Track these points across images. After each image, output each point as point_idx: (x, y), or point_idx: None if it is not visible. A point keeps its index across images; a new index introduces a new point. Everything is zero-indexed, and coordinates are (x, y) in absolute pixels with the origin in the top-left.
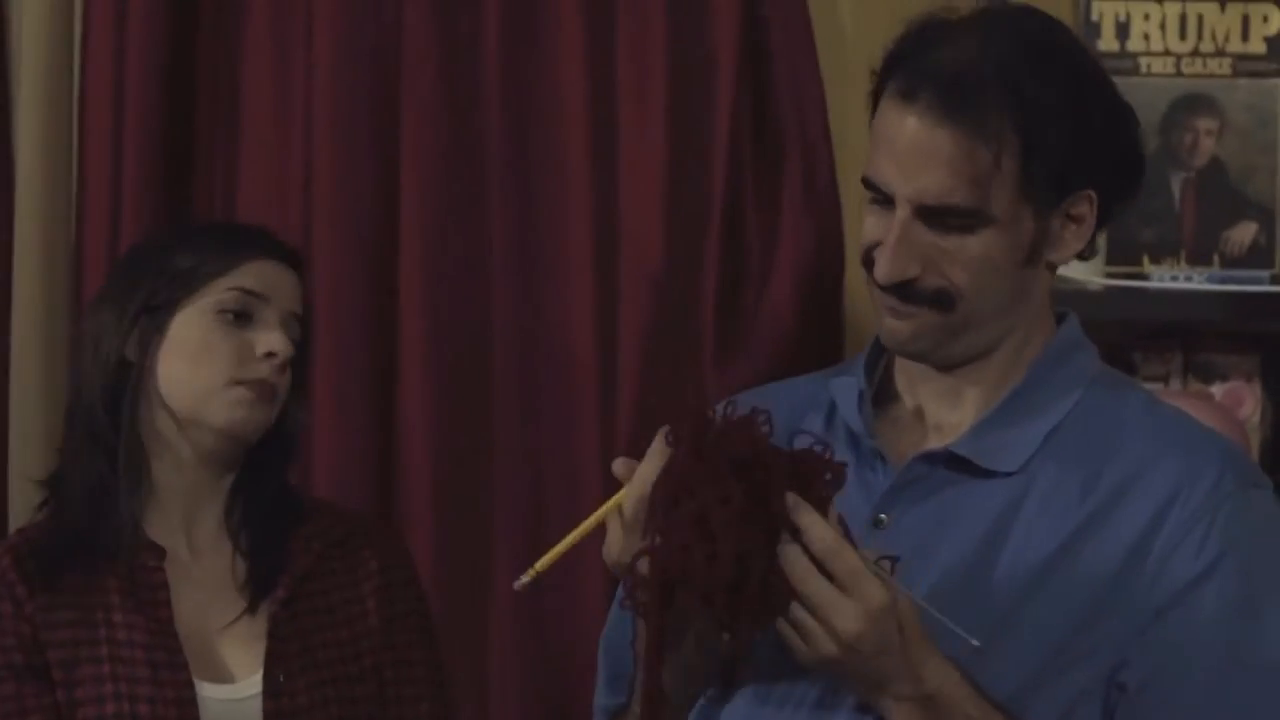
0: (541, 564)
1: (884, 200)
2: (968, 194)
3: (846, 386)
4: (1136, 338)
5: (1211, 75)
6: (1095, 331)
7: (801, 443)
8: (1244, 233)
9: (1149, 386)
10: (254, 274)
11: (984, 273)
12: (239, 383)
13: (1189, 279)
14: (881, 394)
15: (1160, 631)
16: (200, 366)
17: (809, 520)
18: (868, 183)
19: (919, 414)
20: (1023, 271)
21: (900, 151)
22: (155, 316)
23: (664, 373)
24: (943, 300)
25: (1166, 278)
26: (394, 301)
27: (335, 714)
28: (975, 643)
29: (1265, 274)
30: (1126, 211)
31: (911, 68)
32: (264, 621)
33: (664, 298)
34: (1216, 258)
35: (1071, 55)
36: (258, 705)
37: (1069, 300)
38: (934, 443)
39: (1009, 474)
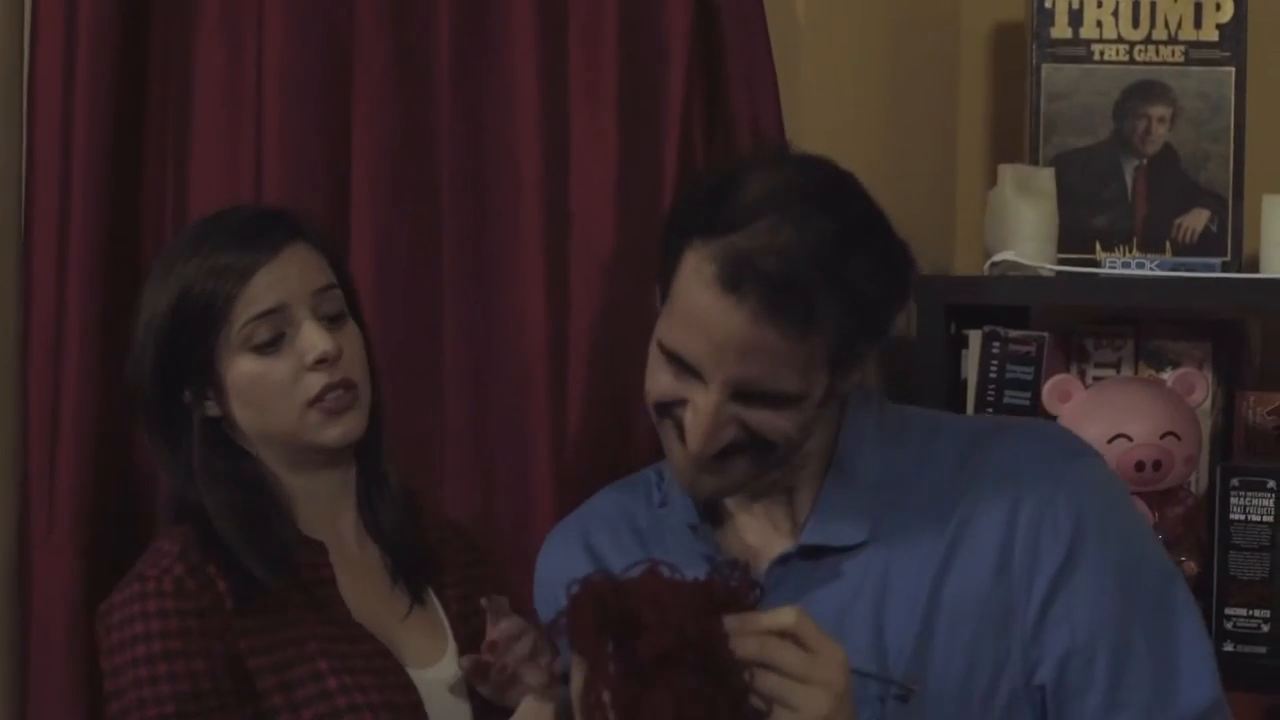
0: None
1: (683, 366)
2: (791, 382)
3: (673, 519)
4: (1088, 324)
5: (1164, 63)
6: (1047, 318)
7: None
8: (1196, 220)
9: (1101, 373)
10: (261, 289)
11: (793, 430)
12: (311, 404)
13: (1141, 266)
14: (711, 513)
15: (1051, 623)
16: (267, 408)
17: (764, 614)
18: (665, 349)
19: (752, 522)
20: (824, 409)
21: (718, 339)
22: (208, 374)
23: (616, 360)
24: (761, 447)
25: (1119, 264)
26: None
27: None
28: (915, 689)
29: (1216, 261)
30: (1081, 204)
31: (729, 251)
32: (433, 607)
33: (615, 285)
34: (1169, 245)
35: (871, 214)
36: (462, 686)
37: (1021, 286)
38: (779, 543)
39: (863, 544)
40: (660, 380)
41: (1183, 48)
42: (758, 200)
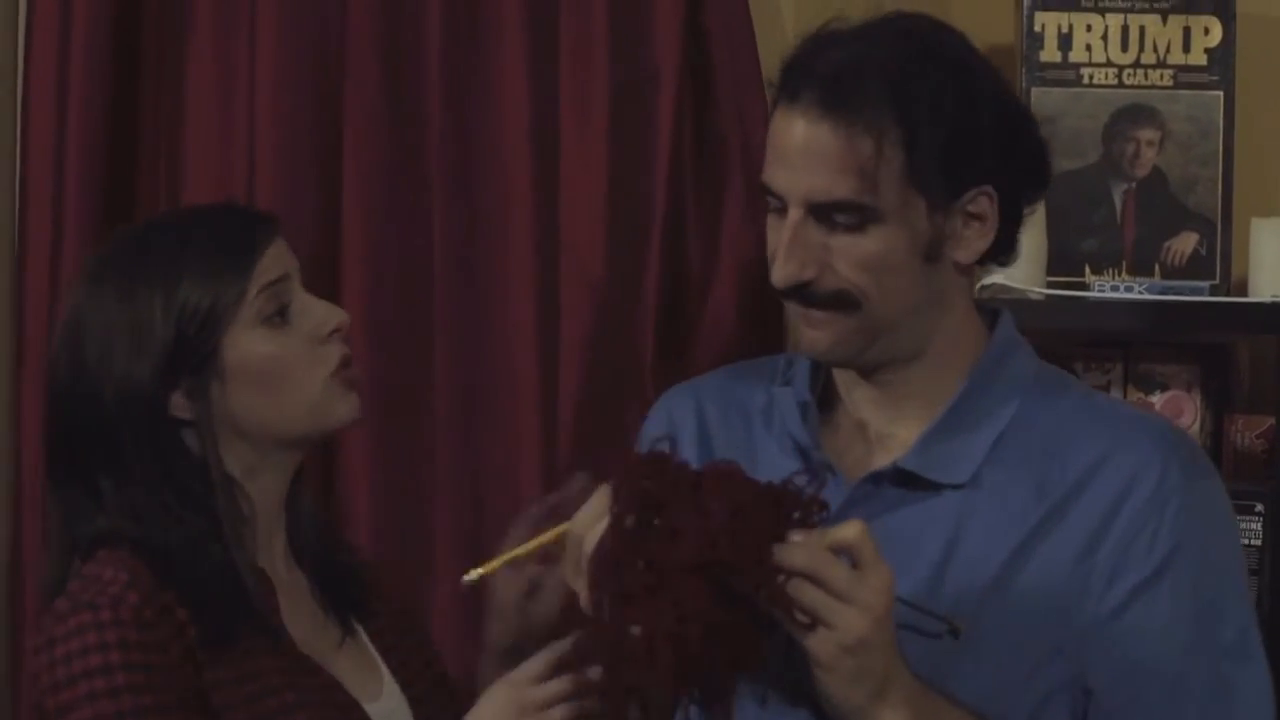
0: (487, 569)
1: (780, 207)
2: (852, 188)
3: (788, 396)
4: (1077, 347)
5: (1153, 86)
6: (1036, 341)
7: (784, 477)
8: (1185, 243)
9: None
10: (271, 259)
11: (881, 270)
12: (334, 375)
13: (1130, 289)
14: (824, 401)
15: (1119, 632)
16: (285, 386)
17: (808, 536)
18: (764, 189)
19: (862, 425)
20: (925, 269)
21: (788, 153)
22: (202, 362)
23: (606, 381)
24: (845, 301)
25: (1107, 288)
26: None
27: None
28: (960, 626)
29: (1205, 284)
30: (1058, 218)
31: (796, 71)
32: (361, 637)
33: (605, 307)
34: (1157, 268)
35: (957, 54)
36: (406, 713)
37: (1010, 309)
38: (880, 457)
39: (959, 486)
40: (769, 235)
41: (1171, 72)
42: (844, 35)
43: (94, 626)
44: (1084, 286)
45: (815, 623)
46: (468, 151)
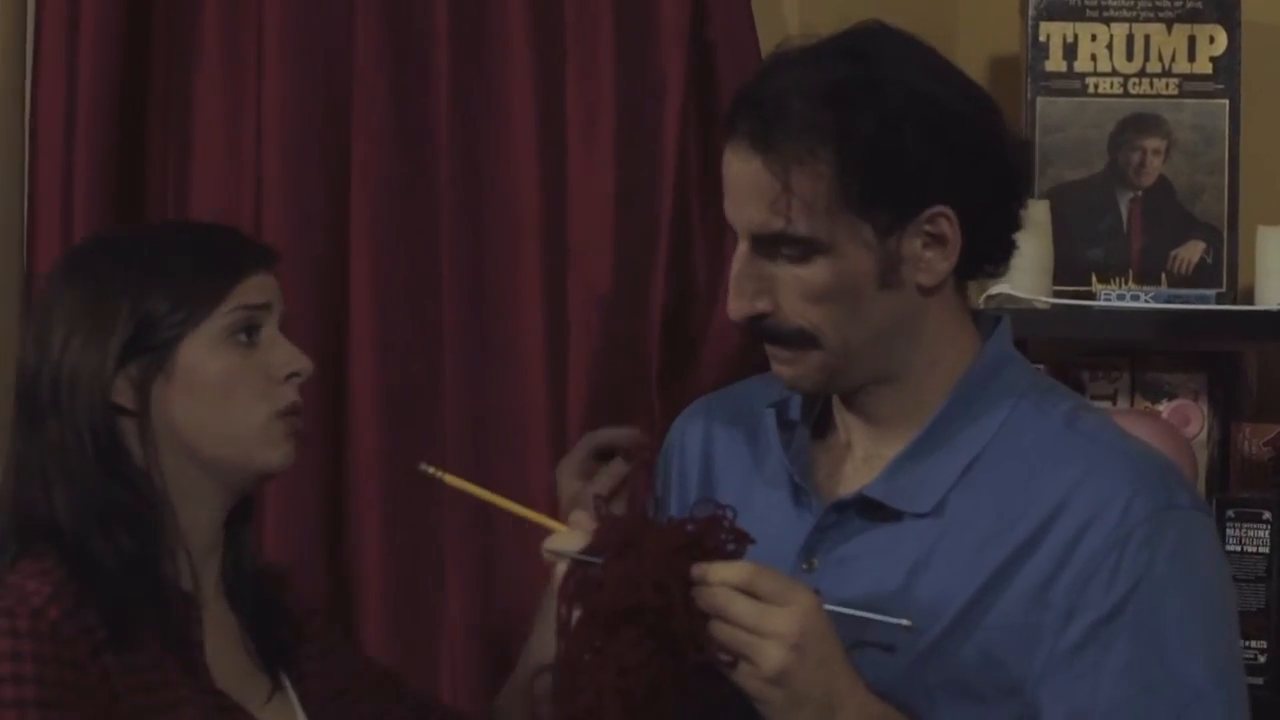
0: (455, 480)
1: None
2: (785, 220)
3: (772, 417)
4: (1084, 356)
5: (1158, 95)
6: (1042, 350)
7: (703, 511)
8: (1191, 251)
9: (1097, 405)
10: (257, 285)
11: (830, 301)
12: (280, 415)
13: (1136, 298)
14: (821, 421)
15: (1074, 673)
16: (229, 406)
17: (718, 566)
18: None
19: (850, 446)
20: (883, 296)
21: (729, 186)
22: (154, 354)
23: (613, 394)
24: (803, 339)
25: (1114, 296)
26: (344, 321)
27: None
28: (906, 623)
29: (1212, 293)
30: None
31: (735, 101)
32: (288, 694)
33: (612, 320)
34: (1164, 277)
35: (904, 72)
36: None
37: (1016, 319)
38: (862, 476)
39: (923, 515)
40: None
41: (1176, 80)
42: (791, 59)
43: (9, 634)
44: (1090, 295)
45: (737, 659)
46: (475, 165)
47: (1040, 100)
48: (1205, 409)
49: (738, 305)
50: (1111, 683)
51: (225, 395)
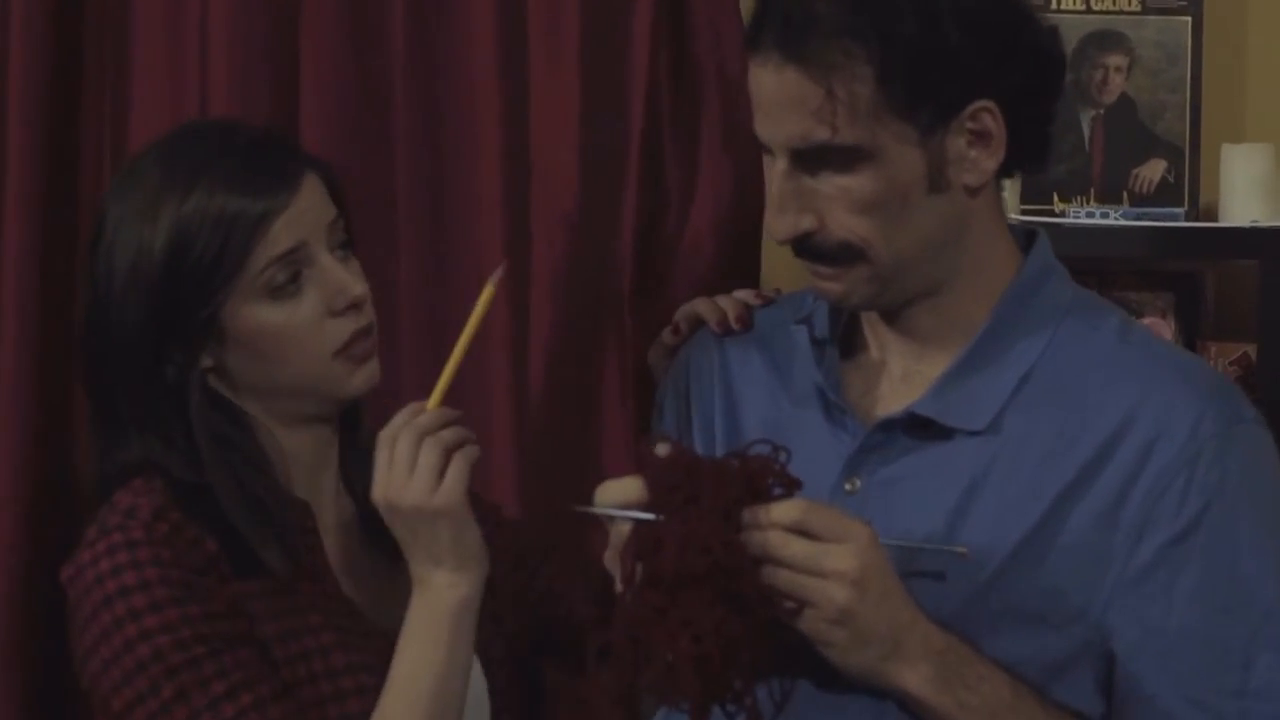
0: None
1: (772, 155)
2: (830, 129)
3: (804, 334)
4: None
5: (1121, 12)
6: None
7: (758, 450)
8: (1153, 170)
9: None
10: (280, 230)
11: (880, 211)
12: (339, 353)
13: (1106, 216)
14: (849, 338)
15: (1145, 594)
16: (285, 360)
17: (769, 508)
18: (760, 140)
19: (885, 365)
20: (932, 201)
21: (761, 102)
22: (209, 327)
23: (582, 310)
24: (850, 253)
25: (1082, 215)
26: None
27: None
28: (962, 550)
29: (1180, 211)
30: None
31: (755, 17)
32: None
33: (580, 233)
34: (1125, 195)
35: None
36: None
37: None
38: (902, 395)
39: (977, 432)
40: (767, 184)
41: None
42: None
43: (126, 545)
44: (1053, 214)
45: (799, 604)
46: (432, 74)
47: None
48: (1173, 326)
49: (782, 225)
50: (1185, 603)
51: (279, 350)
